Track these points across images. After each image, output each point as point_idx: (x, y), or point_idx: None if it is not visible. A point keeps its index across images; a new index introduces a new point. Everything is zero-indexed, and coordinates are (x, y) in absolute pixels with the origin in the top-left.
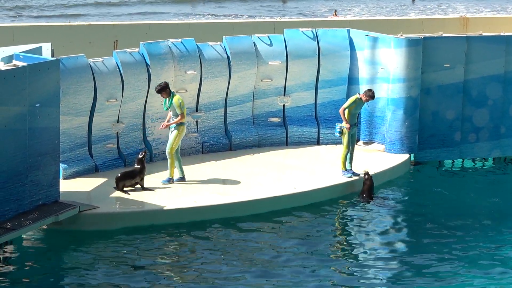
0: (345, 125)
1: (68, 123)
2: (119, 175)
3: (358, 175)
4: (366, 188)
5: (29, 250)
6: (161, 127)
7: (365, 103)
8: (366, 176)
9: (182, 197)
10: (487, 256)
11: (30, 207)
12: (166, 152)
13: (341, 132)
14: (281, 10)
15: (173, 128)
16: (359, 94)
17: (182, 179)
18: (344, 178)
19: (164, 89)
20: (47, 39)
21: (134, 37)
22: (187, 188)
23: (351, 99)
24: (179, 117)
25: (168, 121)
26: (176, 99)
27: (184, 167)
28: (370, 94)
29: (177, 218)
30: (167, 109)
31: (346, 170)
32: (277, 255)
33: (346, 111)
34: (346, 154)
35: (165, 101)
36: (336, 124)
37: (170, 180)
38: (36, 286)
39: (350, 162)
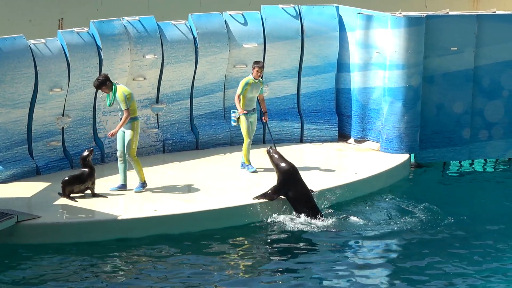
0: (238, 112)
1: (4, 117)
2: (66, 178)
3: (255, 171)
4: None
5: None
6: (109, 134)
7: (261, 80)
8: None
9: (140, 205)
10: None
11: None
12: (128, 158)
13: (238, 121)
14: None
15: (124, 128)
16: (251, 74)
17: (124, 187)
18: (336, 181)
19: (104, 83)
20: None
21: (82, 15)
22: (146, 195)
23: (242, 82)
24: (124, 115)
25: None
26: (120, 92)
27: (143, 169)
28: (257, 66)
29: (134, 230)
30: (110, 105)
31: (249, 164)
32: (257, 272)
33: (241, 97)
34: (249, 144)
35: (108, 96)
36: (232, 111)
37: (144, 185)
38: None
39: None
